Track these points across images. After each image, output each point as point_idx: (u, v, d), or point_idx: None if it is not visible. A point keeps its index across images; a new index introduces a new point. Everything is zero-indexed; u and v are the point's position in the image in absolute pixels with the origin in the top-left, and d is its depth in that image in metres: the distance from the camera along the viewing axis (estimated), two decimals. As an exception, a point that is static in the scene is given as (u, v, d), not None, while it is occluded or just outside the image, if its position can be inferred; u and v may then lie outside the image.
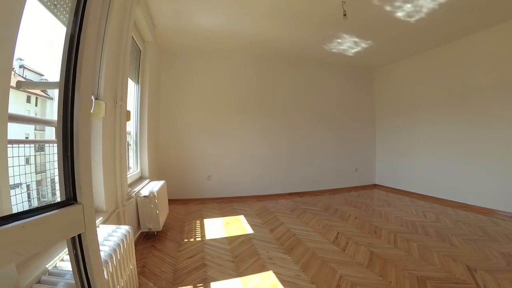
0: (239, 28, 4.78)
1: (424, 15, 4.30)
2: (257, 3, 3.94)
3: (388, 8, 4.09)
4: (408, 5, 4.02)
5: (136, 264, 2.69)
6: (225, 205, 5.56)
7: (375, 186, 7.59)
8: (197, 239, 3.65)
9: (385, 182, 7.37)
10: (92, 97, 2.19)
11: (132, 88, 4.09)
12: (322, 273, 2.71)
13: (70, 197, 0.97)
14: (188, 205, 5.49)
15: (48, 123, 2.15)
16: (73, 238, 0.99)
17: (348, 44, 5.67)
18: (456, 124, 5.45)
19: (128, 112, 3.10)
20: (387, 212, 4.97)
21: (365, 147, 7.60)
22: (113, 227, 2.08)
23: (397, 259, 3.02)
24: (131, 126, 4.10)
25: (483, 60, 4.92)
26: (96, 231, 1.05)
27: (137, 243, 3.32)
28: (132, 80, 4.02)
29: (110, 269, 1.64)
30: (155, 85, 4.99)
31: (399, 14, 4.27)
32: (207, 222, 4.40)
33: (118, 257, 1.79)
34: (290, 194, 6.58)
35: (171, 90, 5.79)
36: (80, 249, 0.99)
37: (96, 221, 2.10)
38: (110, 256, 1.68)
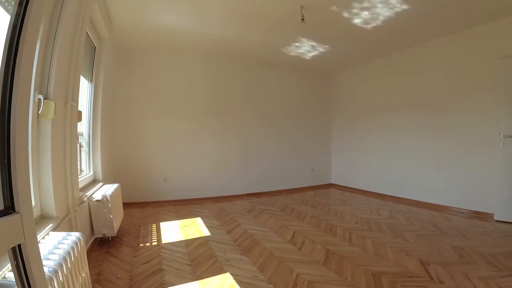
0: (197, 28, 4.72)
1: (381, 23, 4.47)
2: (217, 3, 3.91)
3: (346, 14, 4.22)
4: (365, 13, 4.16)
5: (91, 272, 2.60)
6: (183, 207, 5.48)
7: (331, 185, 7.84)
8: (154, 243, 3.57)
9: (341, 181, 7.62)
10: (41, 97, 2.08)
11: (85, 87, 3.92)
12: (279, 273, 2.75)
13: (8, 206, 0.92)
14: (145, 208, 5.35)
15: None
16: (13, 249, 0.93)
17: (306, 48, 5.79)
18: (409, 127, 5.77)
19: (80, 113, 2.97)
20: (343, 211, 5.14)
21: (321, 148, 7.85)
22: (63, 234, 1.99)
23: (353, 256, 3.12)
24: (83, 127, 3.93)
25: (435, 68, 5.26)
26: (37, 240, 1.00)
27: (91, 249, 3.19)
28: (86, 78, 3.85)
29: (61, 279, 1.56)
30: (110, 84, 4.81)
31: (356, 20, 4.42)
32: (164, 225, 4.32)
33: (69, 265, 1.71)
34: (248, 194, 6.61)
35: (127, 90, 5.61)
36: (22, 259, 0.94)
37: (46, 228, 2.00)
38: (60, 265, 1.60)
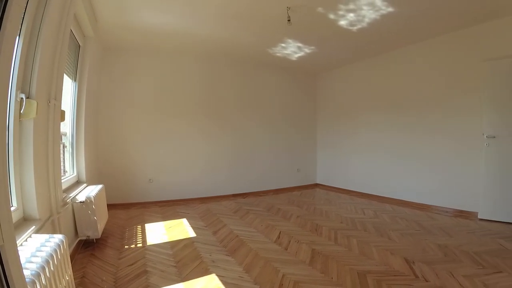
0: (185, 28, 4.70)
1: (366, 25, 4.53)
2: (204, 3, 3.90)
3: (332, 16, 4.25)
4: (351, 15, 4.20)
5: (76, 275, 2.56)
6: (168, 208, 5.44)
7: (316, 185, 7.91)
8: (138, 245, 3.53)
9: (326, 181, 7.70)
10: (23, 96, 2.04)
11: (69, 86, 3.84)
12: (265, 273, 2.75)
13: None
14: (129, 209, 5.28)
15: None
16: (-9, 251, 0.91)
17: (292, 49, 5.82)
18: (394, 128, 5.86)
19: (63, 112, 2.92)
20: (328, 210, 5.19)
21: (307, 148, 7.92)
22: (46, 236, 1.95)
23: (338, 255, 3.15)
24: (67, 127, 3.85)
25: (419, 70, 5.37)
26: (16, 243, 0.98)
27: (75, 252, 3.13)
28: (69, 77, 3.78)
29: (44, 282, 1.53)
30: (94, 83, 4.73)
31: (342, 22, 4.46)
32: (149, 226, 4.27)
33: (52, 268, 1.68)
34: (234, 195, 6.60)
35: (112, 89, 5.52)
36: (1, 262, 0.92)
37: (29, 230, 1.95)
38: (42, 268, 1.57)
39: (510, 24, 4.14)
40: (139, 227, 4.22)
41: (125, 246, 3.47)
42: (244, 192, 6.79)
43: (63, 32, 2.61)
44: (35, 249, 1.74)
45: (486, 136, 4.32)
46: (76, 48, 3.96)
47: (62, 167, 3.35)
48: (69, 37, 2.86)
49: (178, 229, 4.19)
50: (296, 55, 6.23)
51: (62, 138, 3.64)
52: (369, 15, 4.21)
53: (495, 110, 4.29)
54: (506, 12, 4.07)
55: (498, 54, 4.26)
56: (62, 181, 3.01)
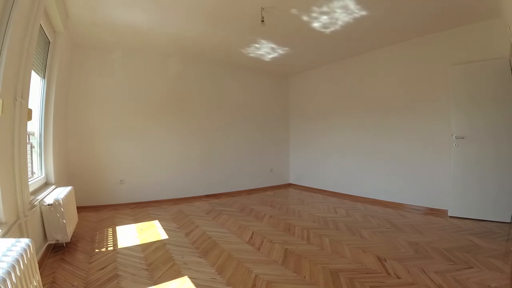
0: (157, 26, 4.64)
1: (339, 27, 4.64)
2: (178, 1, 3.85)
3: (305, 18, 4.31)
4: (325, 17, 4.28)
5: (45, 280, 2.50)
6: (139, 210, 5.34)
7: (289, 185, 8.03)
8: (109, 248, 3.44)
9: (299, 181, 7.83)
10: (-12, 94, 1.96)
11: (37, 83, 3.70)
12: (238, 274, 2.76)
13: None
14: (100, 212, 5.14)
15: None
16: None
17: (266, 50, 5.87)
18: (365, 128, 6.04)
19: (30, 111, 2.81)
20: (301, 210, 5.27)
21: (280, 148, 8.03)
22: (12, 241, 1.88)
23: (311, 255, 3.20)
24: (35, 126, 3.71)
25: (390, 72, 5.56)
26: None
27: (45, 256, 3.03)
28: (38, 74, 3.64)
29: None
30: (64, 81, 4.58)
31: (316, 24, 4.53)
32: (120, 229, 4.19)
33: (18, 273, 1.63)
34: (207, 196, 6.59)
35: (82, 88, 5.36)
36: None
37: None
38: (8, 273, 1.52)
39: (477, 30, 4.39)
40: (110, 230, 4.13)
41: (96, 250, 3.39)
42: (217, 192, 6.79)
43: (32, 26, 2.52)
44: (1, 254, 1.68)
45: (455, 137, 4.53)
46: (46, 44, 3.82)
47: (29, 168, 3.24)
48: (38, 32, 2.77)
49: (150, 231, 4.13)
50: (270, 56, 6.28)
51: (30, 138, 3.52)
52: (342, 18, 4.31)
53: (463, 112, 4.49)
54: (472, 19, 4.28)
55: (465, 59, 4.49)
56: (30, 183, 2.92)
